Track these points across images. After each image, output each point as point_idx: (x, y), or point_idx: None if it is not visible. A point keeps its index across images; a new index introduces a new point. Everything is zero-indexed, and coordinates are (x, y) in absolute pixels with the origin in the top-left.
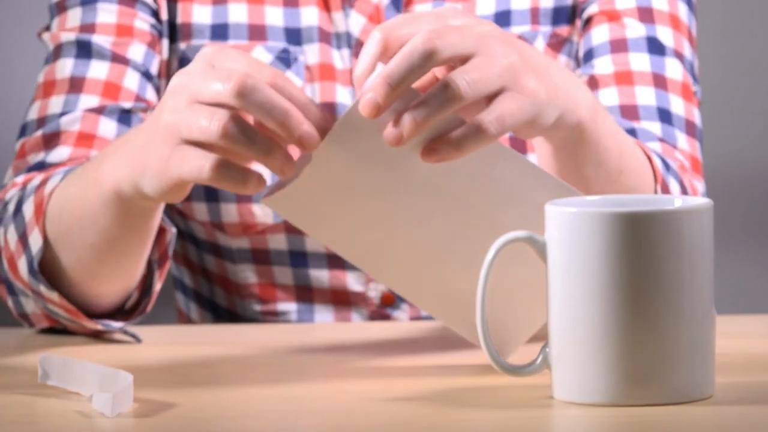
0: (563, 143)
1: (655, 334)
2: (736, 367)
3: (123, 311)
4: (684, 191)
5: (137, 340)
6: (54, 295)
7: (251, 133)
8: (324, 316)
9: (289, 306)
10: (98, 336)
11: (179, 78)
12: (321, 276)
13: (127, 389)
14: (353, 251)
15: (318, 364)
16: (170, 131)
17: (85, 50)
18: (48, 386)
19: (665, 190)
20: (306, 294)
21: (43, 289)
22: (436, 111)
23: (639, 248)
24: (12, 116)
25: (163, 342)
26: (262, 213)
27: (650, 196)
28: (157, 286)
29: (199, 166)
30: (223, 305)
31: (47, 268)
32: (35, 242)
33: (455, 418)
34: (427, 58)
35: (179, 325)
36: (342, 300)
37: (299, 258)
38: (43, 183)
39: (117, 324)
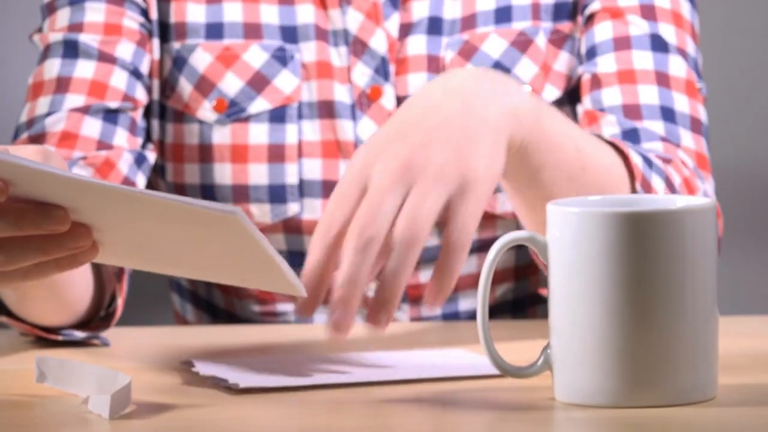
0: (510, 160)
1: (657, 336)
2: (739, 369)
3: (104, 317)
4: (671, 189)
5: (104, 344)
6: (3, 319)
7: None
8: (323, 316)
9: (288, 306)
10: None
11: None
12: None
13: (124, 390)
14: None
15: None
16: None
17: (71, 50)
18: (44, 388)
19: (647, 187)
20: None
21: None
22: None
23: (641, 248)
24: (10, 118)
25: (162, 343)
26: (259, 213)
27: (653, 196)
28: (119, 300)
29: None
30: (220, 306)
31: None
32: None
33: (456, 420)
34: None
35: (177, 326)
36: None
37: (298, 258)
38: None
39: (80, 334)
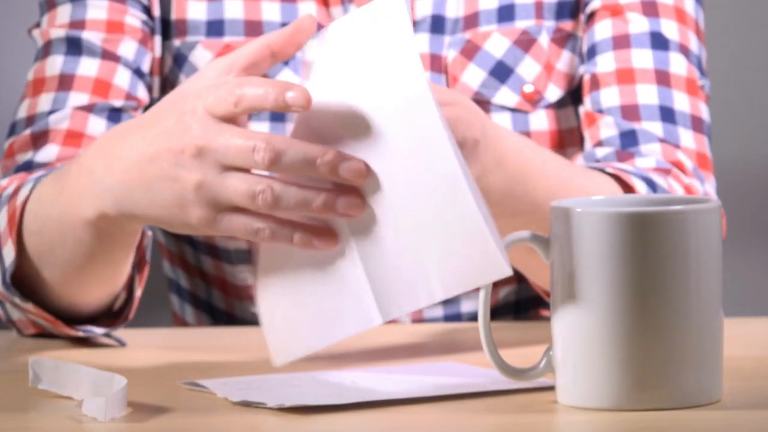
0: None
1: (661, 337)
2: (744, 371)
3: (109, 315)
4: None
5: (121, 344)
6: (29, 306)
7: (300, 192)
8: None
9: None
10: (86, 340)
11: (190, 134)
12: None
13: (120, 393)
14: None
15: (318, 366)
16: (207, 196)
17: (75, 47)
18: (39, 390)
19: None
20: None
21: (17, 300)
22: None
23: (645, 249)
24: (3, 114)
25: (159, 345)
26: None
27: (657, 196)
28: (138, 291)
29: (254, 230)
30: (220, 307)
31: (23, 278)
32: (8, 255)
33: (457, 423)
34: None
35: (175, 327)
36: None
37: None
38: (16, 192)
39: (99, 330)
